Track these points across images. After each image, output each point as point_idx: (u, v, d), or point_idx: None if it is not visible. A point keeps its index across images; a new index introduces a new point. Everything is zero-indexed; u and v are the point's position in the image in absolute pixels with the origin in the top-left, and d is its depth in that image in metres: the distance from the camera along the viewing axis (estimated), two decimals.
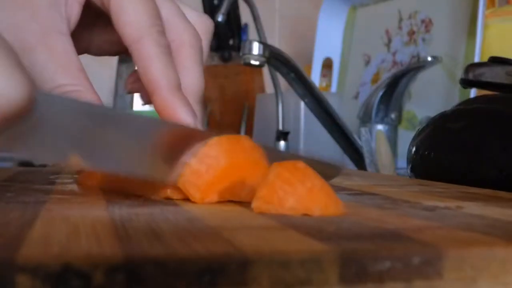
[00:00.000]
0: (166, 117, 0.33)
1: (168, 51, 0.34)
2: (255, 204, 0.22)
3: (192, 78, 0.36)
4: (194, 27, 0.37)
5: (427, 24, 0.94)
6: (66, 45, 0.33)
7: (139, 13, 0.34)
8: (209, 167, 0.24)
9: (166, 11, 0.36)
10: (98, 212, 0.21)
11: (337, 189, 0.33)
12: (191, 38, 0.36)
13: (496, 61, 0.44)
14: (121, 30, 0.34)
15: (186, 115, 0.32)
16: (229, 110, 1.10)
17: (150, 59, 0.33)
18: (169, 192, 0.25)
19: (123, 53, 0.40)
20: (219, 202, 0.25)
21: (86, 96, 0.32)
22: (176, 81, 0.34)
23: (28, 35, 0.32)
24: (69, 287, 0.13)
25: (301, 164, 0.23)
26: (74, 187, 0.31)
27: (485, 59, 0.45)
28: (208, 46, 0.39)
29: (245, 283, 0.14)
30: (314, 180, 0.22)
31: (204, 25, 0.38)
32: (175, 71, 0.34)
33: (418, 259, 0.15)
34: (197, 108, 0.35)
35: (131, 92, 0.39)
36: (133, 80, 0.38)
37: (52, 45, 0.32)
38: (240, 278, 0.14)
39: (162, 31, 0.35)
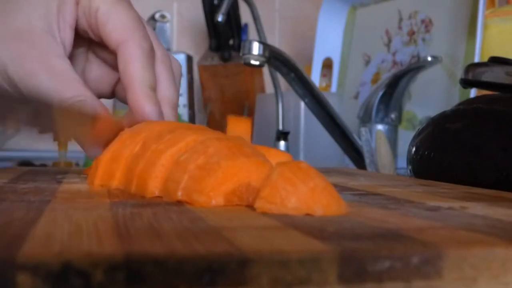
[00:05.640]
0: (136, 113, 0.36)
1: (151, 55, 0.38)
2: (257, 204, 0.22)
3: (166, 88, 0.39)
4: (164, 48, 0.41)
5: (427, 24, 0.94)
6: (64, 65, 0.36)
7: (123, 20, 0.37)
8: (210, 171, 0.24)
9: None
10: (101, 212, 0.21)
11: (342, 189, 0.33)
12: (162, 55, 0.40)
13: (496, 61, 0.44)
14: (108, 38, 0.38)
15: (152, 112, 0.36)
16: (229, 110, 1.10)
17: (130, 59, 0.37)
18: (179, 195, 0.25)
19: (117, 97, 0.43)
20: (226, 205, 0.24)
21: (90, 103, 0.35)
22: (150, 82, 0.37)
23: (30, 62, 0.36)
24: (70, 286, 0.13)
25: (303, 164, 0.23)
26: (80, 186, 0.31)
27: (485, 59, 0.45)
28: (179, 82, 0.42)
29: (245, 283, 0.14)
30: (317, 180, 0.22)
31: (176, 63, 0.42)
32: (152, 74, 0.37)
33: (418, 258, 0.15)
34: (170, 113, 0.39)
35: None
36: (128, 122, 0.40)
37: (53, 67, 0.36)
38: (240, 277, 0.14)
39: (145, 35, 0.38)
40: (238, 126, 0.31)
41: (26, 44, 0.36)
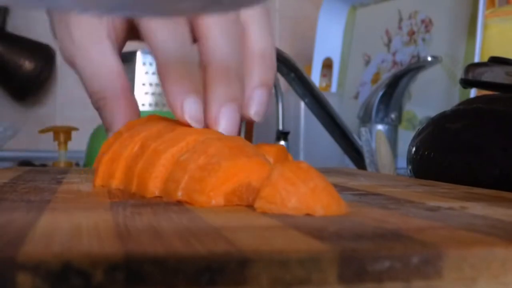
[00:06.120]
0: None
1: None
2: (257, 204, 0.22)
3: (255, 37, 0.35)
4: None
5: (427, 24, 0.94)
6: (99, 54, 0.34)
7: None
8: (211, 171, 0.24)
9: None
10: (101, 212, 0.21)
11: (342, 189, 0.33)
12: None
13: (496, 61, 0.44)
14: None
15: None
16: None
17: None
18: (179, 195, 0.25)
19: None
20: (226, 205, 0.24)
21: (109, 107, 0.33)
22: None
23: (71, 43, 0.34)
24: (69, 286, 0.13)
25: (304, 164, 0.23)
26: (80, 186, 0.31)
27: (485, 59, 0.45)
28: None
29: (244, 282, 0.14)
30: (317, 180, 0.22)
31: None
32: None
33: (418, 258, 0.15)
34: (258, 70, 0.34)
35: None
36: None
37: (88, 54, 0.34)
38: (239, 277, 0.14)
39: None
40: (267, 152, 0.31)
41: (72, 23, 0.34)
